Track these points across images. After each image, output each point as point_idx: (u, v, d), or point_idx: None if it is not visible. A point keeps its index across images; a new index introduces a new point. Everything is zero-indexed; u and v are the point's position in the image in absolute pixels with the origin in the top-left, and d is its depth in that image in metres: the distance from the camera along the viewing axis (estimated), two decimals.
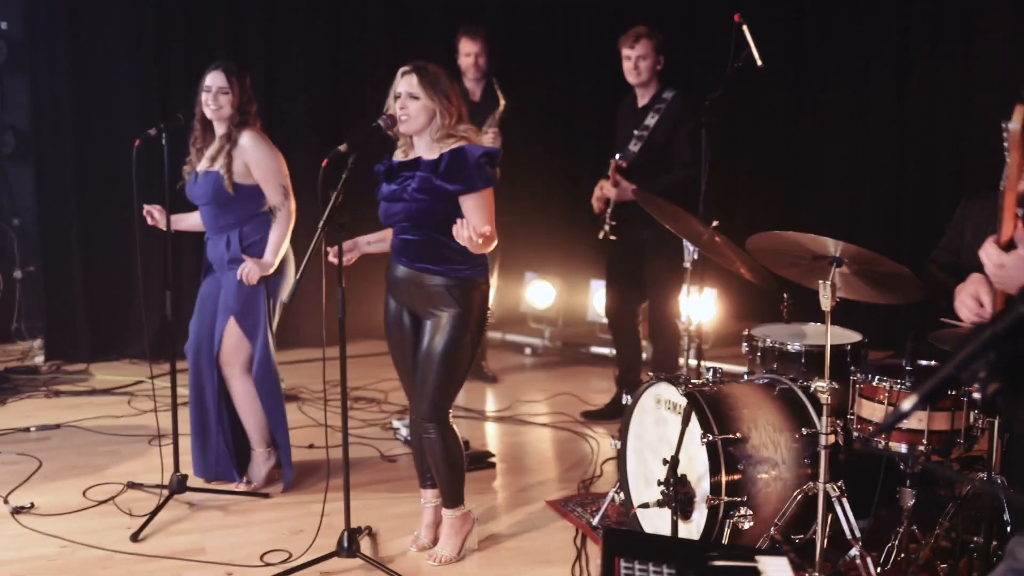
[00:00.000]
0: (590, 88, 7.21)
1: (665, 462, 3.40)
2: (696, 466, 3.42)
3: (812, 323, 4.21)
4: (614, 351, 5.49)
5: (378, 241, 3.70)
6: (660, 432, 3.64)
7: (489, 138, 5.40)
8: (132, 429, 5.13)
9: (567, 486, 4.44)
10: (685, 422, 3.33)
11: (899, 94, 6.44)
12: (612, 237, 5.02)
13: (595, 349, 6.55)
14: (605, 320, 6.51)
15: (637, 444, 3.77)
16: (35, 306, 6.73)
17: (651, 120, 4.87)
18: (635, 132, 4.91)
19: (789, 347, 3.89)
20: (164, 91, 6.32)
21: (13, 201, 6.73)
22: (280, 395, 4.28)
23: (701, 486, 3.41)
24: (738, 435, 3.40)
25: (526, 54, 6.96)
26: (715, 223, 3.97)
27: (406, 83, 3.41)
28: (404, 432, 4.95)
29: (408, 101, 3.40)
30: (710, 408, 3.42)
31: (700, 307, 4.20)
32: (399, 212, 3.44)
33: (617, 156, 4.80)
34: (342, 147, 3.32)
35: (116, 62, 6.27)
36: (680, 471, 3.41)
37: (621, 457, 3.86)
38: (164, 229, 4.15)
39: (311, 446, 4.88)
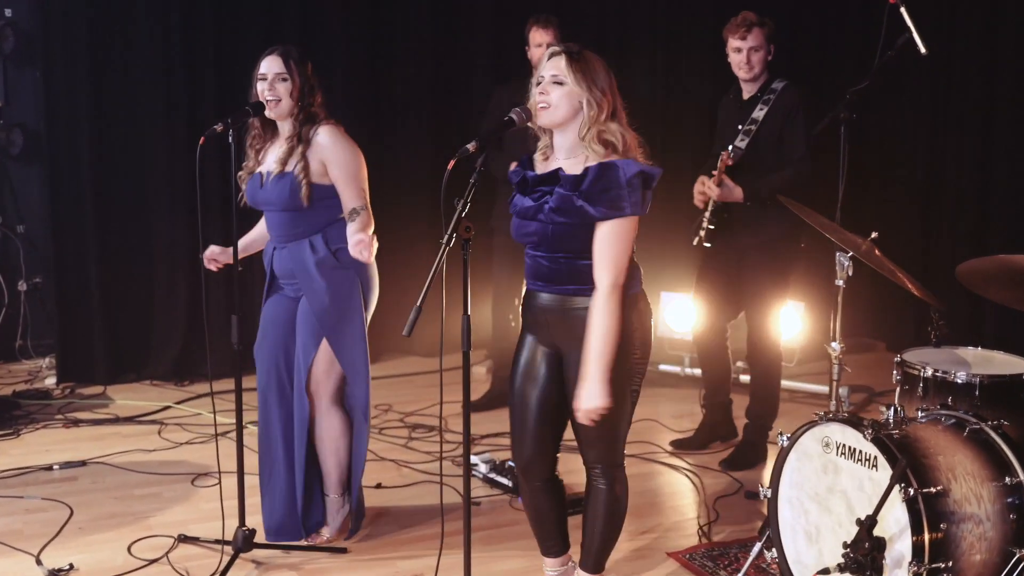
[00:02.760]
0: (644, 84, 6.66)
1: (859, 523, 2.85)
2: (887, 524, 2.87)
3: (968, 347, 3.68)
4: (700, 370, 4.94)
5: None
6: (830, 481, 3.09)
7: None
8: (169, 466, 4.53)
9: (684, 532, 3.90)
10: (897, 479, 2.78)
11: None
12: (706, 244, 4.47)
13: (663, 367, 6.01)
14: (675, 335, 6.01)
15: (795, 493, 3.22)
16: (42, 321, 6.10)
17: (759, 113, 4.32)
18: (740, 127, 4.37)
19: (956, 377, 3.35)
20: (192, 85, 5.71)
21: (18, 206, 6.08)
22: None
23: (894, 548, 2.86)
24: (939, 488, 2.86)
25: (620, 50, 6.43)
26: (874, 235, 3.44)
27: (552, 66, 2.86)
28: (483, 469, 4.38)
29: (551, 87, 2.84)
30: (904, 456, 2.88)
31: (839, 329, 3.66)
32: (533, 233, 2.89)
33: (730, 148, 4.25)
34: (470, 145, 2.76)
35: (139, 53, 5.64)
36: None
37: (772, 507, 3.31)
38: (232, 263, 3.55)
39: (379, 486, 4.29)
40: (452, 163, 2.71)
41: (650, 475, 4.53)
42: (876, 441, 2.91)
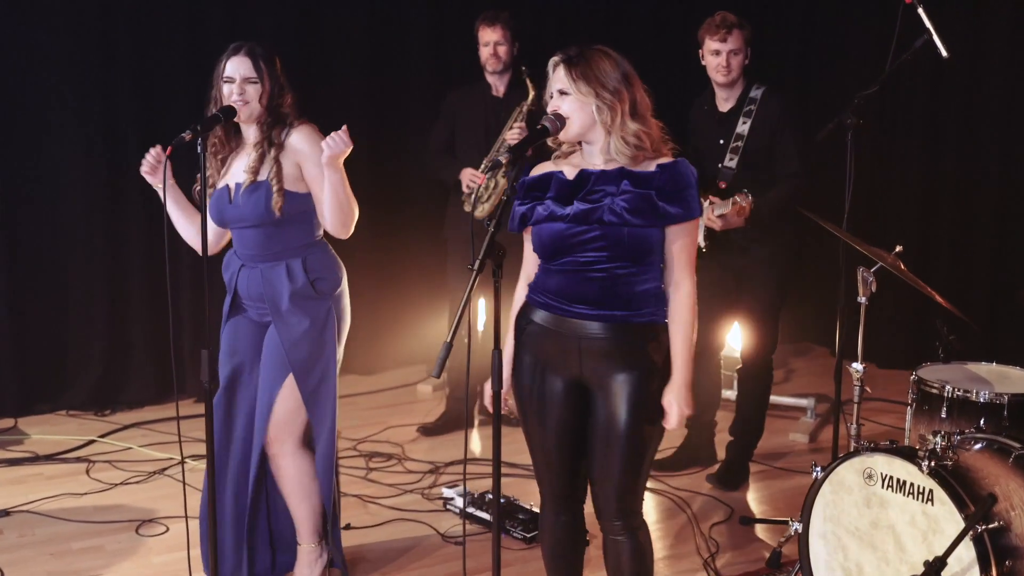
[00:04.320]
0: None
1: (927, 565, 2.64)
2: (949, 564, 2.68)
3: (981, 363, 3.53)
4: None
5: None
6: (874, 515, 2.88)
7: (514, 134, 4.56)
8: (107, 512, 4.05)
9: (686, 566, 3.65)
10: (976, 519, 2.58)
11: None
12: None
13: None
14: None
15: (831, 528, 3.01)
16: None
17: (743, 127, 4.09)
18: (721, 141, 4.13)
19: (979, 396, 3.19)
20: (108, 82, 5.19)
21: None
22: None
23: None
24: (1001, 522, 2.68)
25: (556, 40, 6.10)
26: (899, 248, 3.26)
27: (556, 78, 2.61)
28: (460, 503, 4.04)
29: (559, 99, 2.58)
30: (963, 489, 2.69)
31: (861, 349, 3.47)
32: (596, 238, 2.58)
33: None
34: (503, 158, 2.44)
35: (48, 46, 5.08)
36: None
37: (802, 543, 3.09)
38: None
39: (347, 527, 3.90)
40: (483, 179, 2.39)
41: None
42: (935, 474, 2.71)
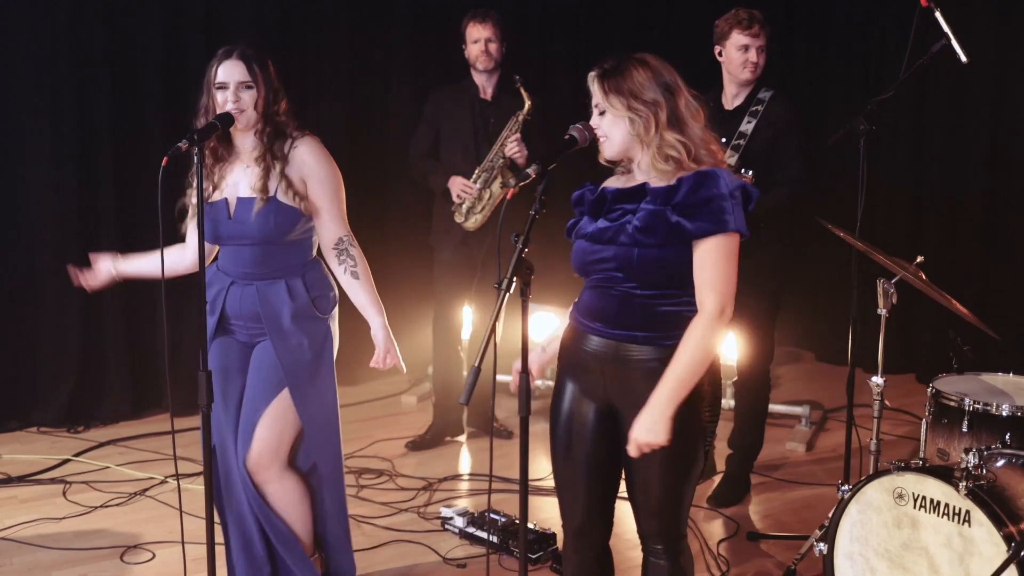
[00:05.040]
0: (566, 83, 6.28)
1: None
2: None
3: (997, 373, 3.46)
4: None
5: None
6: (905, 536, 2.79)
7: (513, 147, 4.46)
8: (88, 537, 3.85)
9: None
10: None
11: None
12: None
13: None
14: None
15: (857, 549, 2.91)
16: None
17: (747, 126, 4.00)
18: (724, 139, 4.03)
19: (1001, 410, 3.11)
20: (81, 82, 4.98)
21: None
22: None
23: None
24: None
25: (542, 45, 6.00)
26: (920, 259, 3.18)
27: (594, 92, 2.46)
28: (459, 522, 3.90)
29: (598, 118, 2.46)
30: (1001, 509, 2.60)
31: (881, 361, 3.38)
32: (609, 259, 2.44)
33: (750, 172, 3.88)
34: (531, 170, 2.31)
35: (16, 46, 4.89)
36: None
37: (827, 563, 2.99)
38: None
39: None
40: (511, 193, 2.26)
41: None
42: (972, 495, 2.62)
